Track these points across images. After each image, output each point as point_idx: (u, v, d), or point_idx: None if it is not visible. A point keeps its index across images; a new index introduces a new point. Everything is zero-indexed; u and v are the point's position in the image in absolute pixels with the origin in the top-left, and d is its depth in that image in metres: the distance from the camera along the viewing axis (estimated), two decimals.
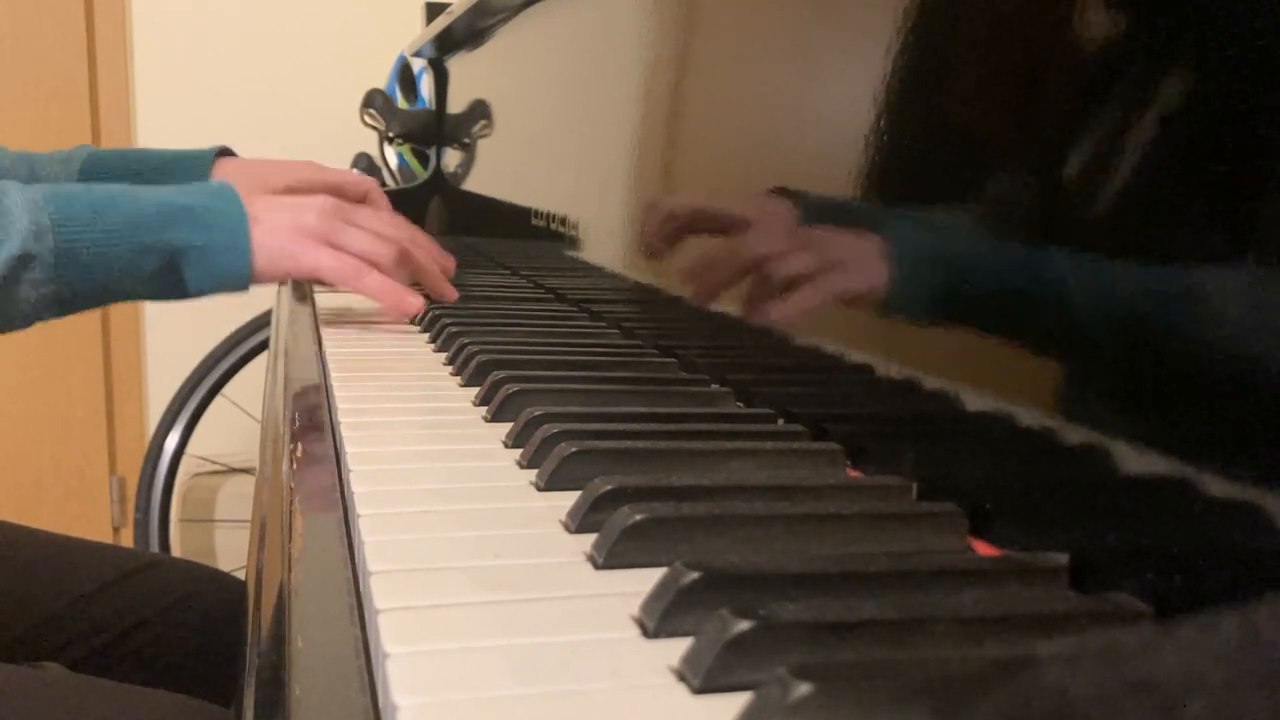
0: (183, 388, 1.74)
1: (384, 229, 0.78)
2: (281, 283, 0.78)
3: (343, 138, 1.86)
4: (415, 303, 0.75)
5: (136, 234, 0.69)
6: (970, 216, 0.39)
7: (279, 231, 0.73)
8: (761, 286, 0.54)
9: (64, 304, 0.68)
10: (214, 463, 1.96)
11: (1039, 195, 0.35)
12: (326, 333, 0.74)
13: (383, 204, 1.01)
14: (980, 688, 0.16)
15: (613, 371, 0.59)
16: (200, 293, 0.73)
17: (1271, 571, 0.27)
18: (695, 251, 0.63)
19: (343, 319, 0.80)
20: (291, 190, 0.95)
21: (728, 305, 0.57)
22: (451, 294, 0.83)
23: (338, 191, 0.99)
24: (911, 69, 0.42)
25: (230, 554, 1.96)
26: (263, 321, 1.72)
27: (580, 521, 0.36)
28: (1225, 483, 0.28)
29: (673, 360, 0.63)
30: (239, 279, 0.73)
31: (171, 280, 0.72)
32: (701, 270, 0.62)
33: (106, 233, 0.68)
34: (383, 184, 1.68)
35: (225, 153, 1.00)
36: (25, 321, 0.68)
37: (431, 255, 0.83)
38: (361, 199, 1.00)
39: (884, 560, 0.31)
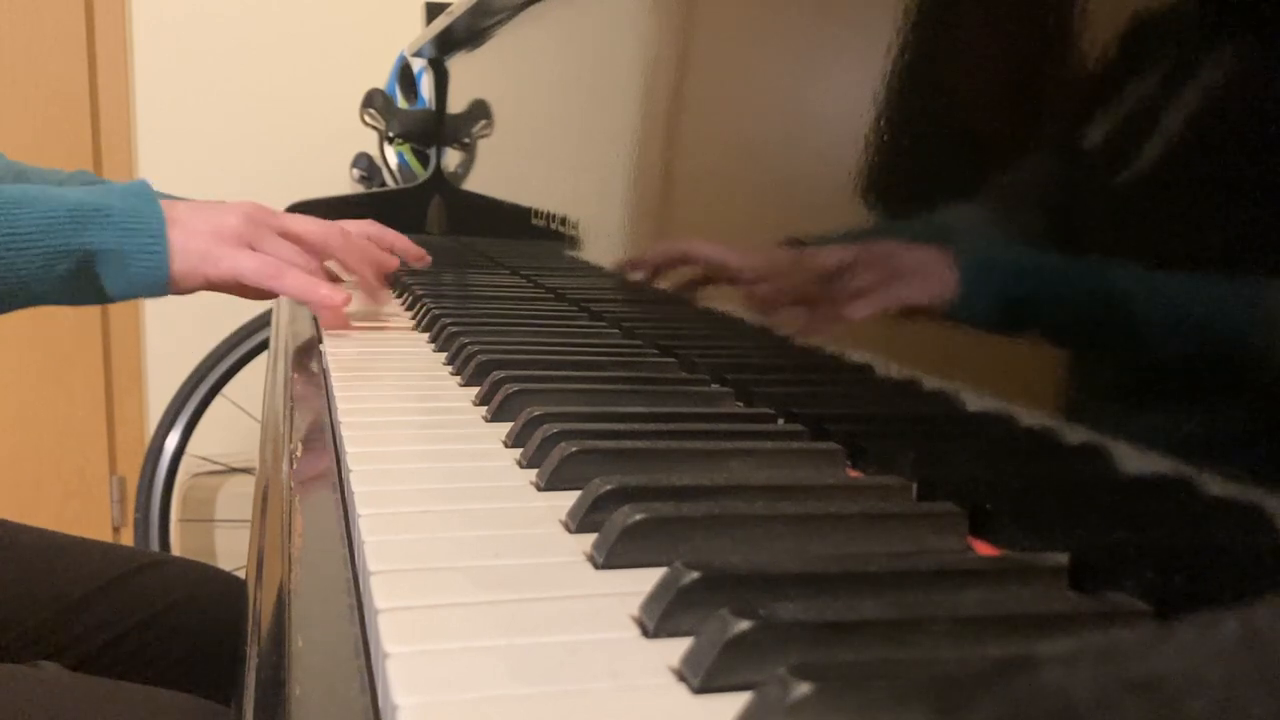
0: (183, 388, 1.74)
1: (309, 227, 0.76)
2: (200, 290, 0.74)
3: (343, 138, 1.86)
4: (338, 297, 0.72)
5: (47, 237, 0.66)
6: (970, 216, 0.39)
7: (198, 234, 0.71)
8: (766, 291, 0.54)
9: None
10: (214, 463, 1.96)
11: (1039, 195, 0.35)
12: (326, 333, 0.74)
13: (350, 249, 0.91)
14: (980, 688, 0.16)
15: (613, 371, 0.59)
16: (118, 297, 0.71)
17: (1271, 571, 0.27)
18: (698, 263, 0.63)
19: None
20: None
21: (727, 305, 0.57)
22: (381, 298, 0.82)
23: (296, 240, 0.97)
24: (912, 69, 0.42)
25: (230, 554, 1.96)
26: (263, 321, 1.72)
27: (580, 521, 0.36)
28: (1225, 483, 0.28)
29: (673, 360, 0.63)
30: (156, 283, 0.70)
31: (87, 284, 0.69)
32: (700, 273, 0.62)
33: (14, 235, 0.65)
34: (382, 184, 1.68)
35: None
36: None
37: (366, 253, 0.80)
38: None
39: (884, 560, 0.31)
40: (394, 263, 0.85)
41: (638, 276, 0.70)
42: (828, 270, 0.48)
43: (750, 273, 0.55)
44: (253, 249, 0.72)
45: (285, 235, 0.75)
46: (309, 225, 0.77)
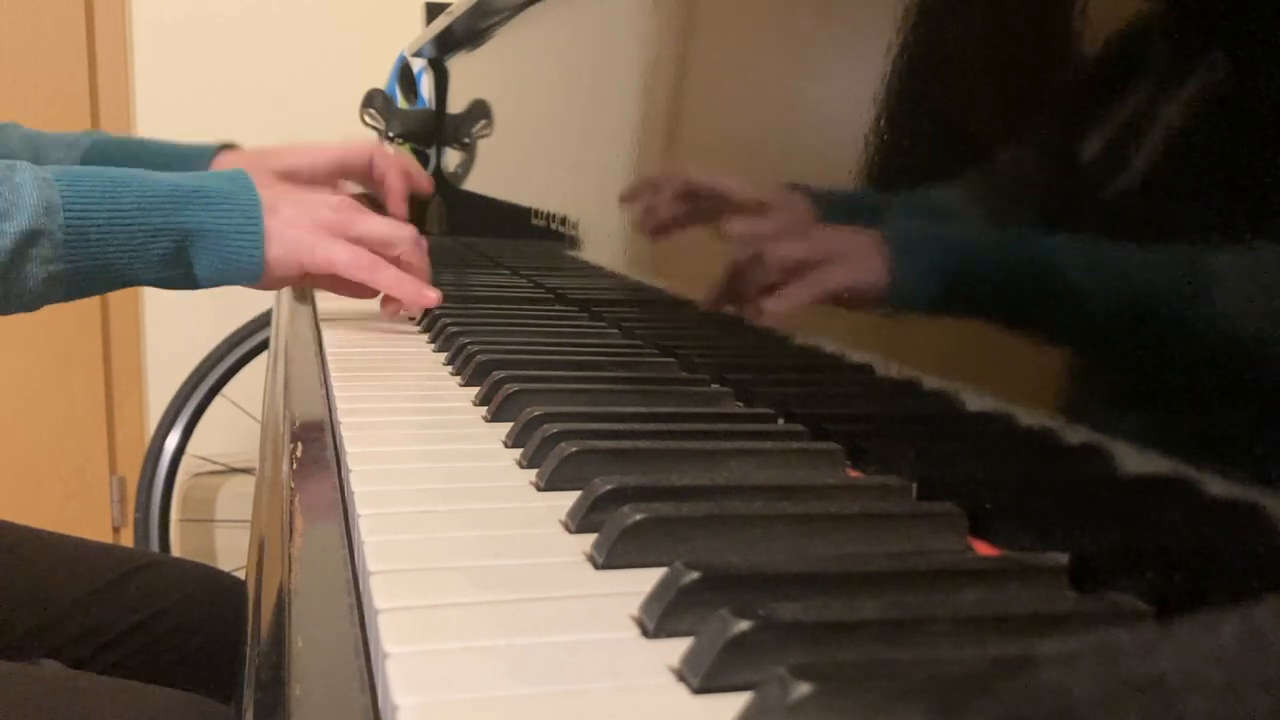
0: (183, 388, 1.74)
1: (396, 223, 0.77)
2: (292, 283, 0.76)
3: (343, 137, 1.86)
4: (432, 295, 0.74)
5: (148, 215, 0.67)
6: (971, 216, 0.39)
7: (294, 222, 0.71)
8: (761, 283, 0.54)
9: (71, 285, 0.66)
10: (214, 463, 1.96)
11: (1039, 195, 0.35)
12: (326, 333, 0.74)
13: (389, 162, 1.01)
14: (980, 688, 0.16)
15: (613, 371, 0.59)
16: (211, 281, 0.71)
17: (1271, 571, 0.27)
18: (691, 247, 0.63)
19: (343, 319, 0.80)
20: (290, 173, 0.95)
21: (727, 305, 0.57)
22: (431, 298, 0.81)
23: (341, 165, 1.00)
24: (910, 66, 0.42)
25: (230, 554, 1.96)
26: (263, 321, 1.72)
27: (580, 521, 0.36)
28: (1225, 483, 0.28)
29: (673, 360, 0.63)
30: (252, 267, 0.70)
31: (181, 265, 0.70)
32: (700, 264, 0.62)
33: (117, 212, 0.66)
34: None
35: (228, 147, 1.00)
36: (30, 302, 0.66)
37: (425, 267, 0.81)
38: (366, 165, 1.01)
39: (884, 560, 0.31)
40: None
41: (642, 205, 0.70)
42: (828, 267, 0.48)
43: (748, 257, 0.55)
44: (347, 238, 0.72)
45: (365, 240, 0.75)
46: (392, 221, 0.77)
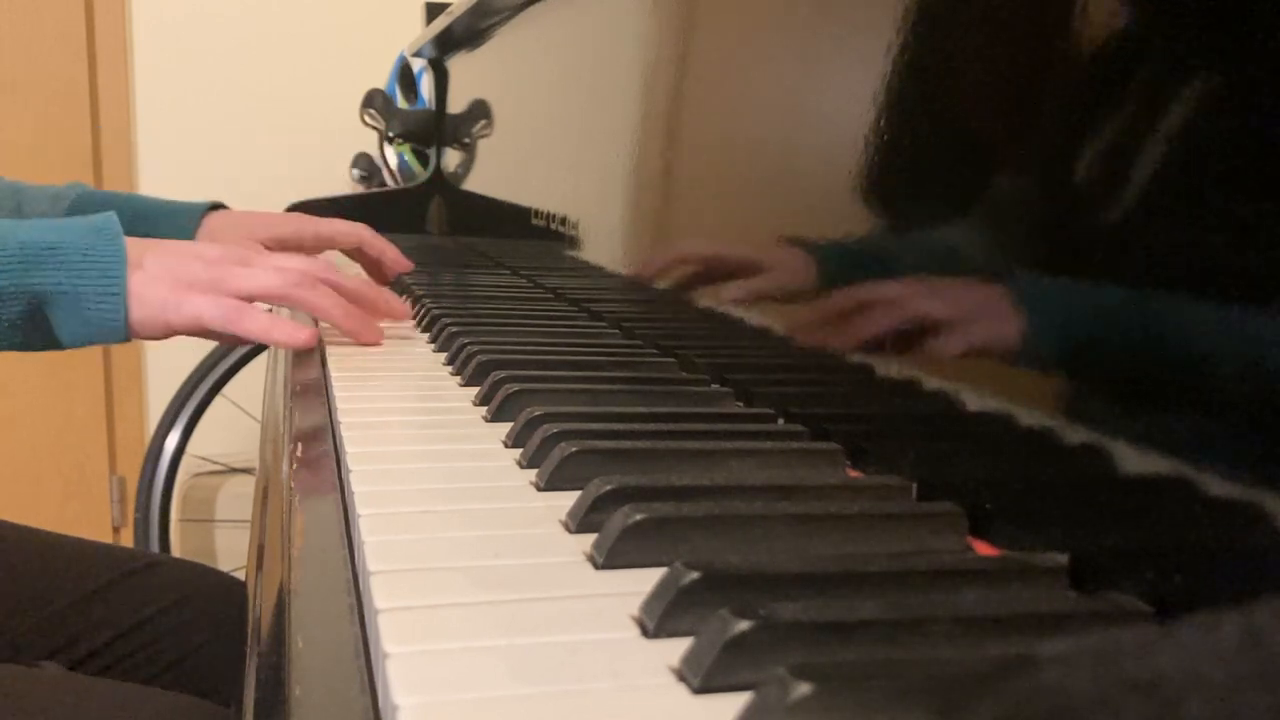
0: (183, 388, 1.74)
1: (288, 262, 0.69)
2: (165, 337, 0.68)
3: (343, 138, 1.86)
4: (300, 336, 0.67)
5: None
6: (971, 217, 0.39)
7: (159, 280, 0.64)
8: (761, 283, 0.54)
9: None
10: (214, 463, 1.96)
11: (1039, 196, 0.35)
12: (326, 333, 0.73)
13: (382, 247, 0.93)
14: (980, 688, 0.16)
15: (613, 371, 0.59)
16: (74, 344, 0.64)
17: (1271, 571, 0.27)
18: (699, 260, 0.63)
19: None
20: (279, 242, 0.89)
21: (727, 305, 0.57)
22: (393, 314, 0.74)
23: (328, 243, 0.92)
24: (912, 69, 0.42)
25: (230, 554, 1.96)
26: None
27: (580, 521, 0.36)
28: (1225, 483, 0.28)
29: (673, 360, 0.63)
30: (114, 330, 0.64)
31: (40, 330, 0.63)
32: (692, 270, 0.62)
33: None
34: (382, 184, 1.68)
35: (217, 207, 0.94)
36: None
37: (354, 288, 0.72)
38: (355, 248, 0.93)
39: (884, 560, 0.31)
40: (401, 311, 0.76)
41: (655, 279, 0.70)
42: (827, 270, 0.48)
43: (755, 272, 0.55)
44: (217, 292, 0.66)
45: (240, 293, 0.67)
46: (286, 260, 0.70)
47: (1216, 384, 0.28)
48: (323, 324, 0.72)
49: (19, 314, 0.62)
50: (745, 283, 0.56)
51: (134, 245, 0.65)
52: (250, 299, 0.67)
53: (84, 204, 0.91)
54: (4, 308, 0.61)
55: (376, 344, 0.70)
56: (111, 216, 0.66)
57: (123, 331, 0.64)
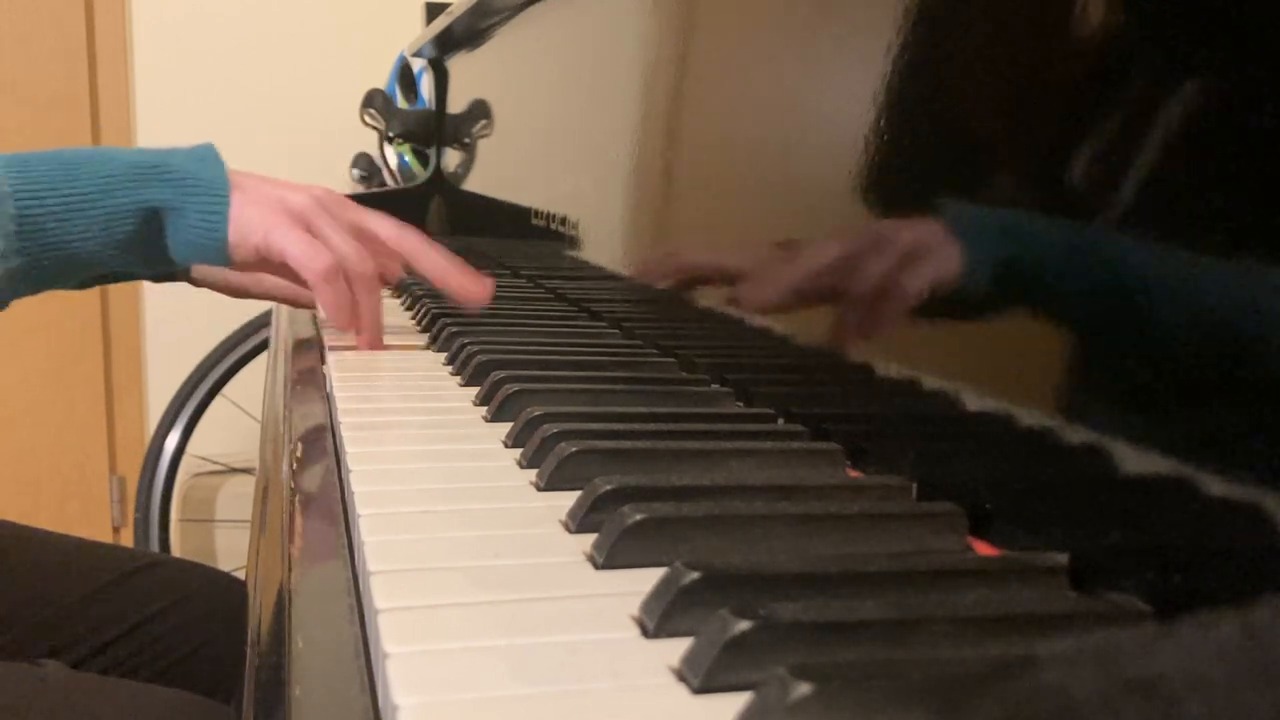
0: (183, 388, 1.74)
1: (380, 228, 0.71)
2: (250, 268, 0.69)
3: (343, 138, 1.86)
4: (363, 326, 0.68)
5: (107, 196, 0.62)
6: (971, 217, 0.39)
7: (258, 203, 0.66)
8: (762, 283, 0.54)
9: (33, 278, 0.62)
10: (214, 463, 1.96)
11: (1039, 196, 0.35)
12: (326, 332, 0.73)
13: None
14: (980, 688, 0.16)
15: (613, 371, 0.59)
16: (181, 261, 0.66)
17: (1271, 571, 0.27)
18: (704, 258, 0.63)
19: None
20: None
21: (728, 305, 0.57)
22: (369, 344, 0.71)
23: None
24: (912, 68, 0.42)
25: (230, 554, 1.96)
26: (263, 321, 1.72)
27: (580, 521, 0.36)
28: (1225, 483, 0.28)
29: (673, 360, 0.63)
30: (216, 246, 0.65)
31: (151, 246, 0.65)
32: (692, 269, 0.62)
33: (72, 196, 0.61)
34: (382, 184, 1.68)
35: None
36: None
37: (441, 266, 0.72)
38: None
39: (884, 560, 0.31)
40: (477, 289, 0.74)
41: (654, 282, 0.70)
42: (827, 270, 0.48)
43: (753, 274, 0.55)
44: (311, 230, 0.67)
45: (357, 230, 0.70)
46: (385, 225, 0.72)
47: (1217, 384, 0.28)
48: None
49: (132, 230, 0.64)
50: (743, 287, 0.56)
51: (237, 172, 0.67)
52: (339, 243, 0.67)
53: None
54: (117, 225, 0.63)
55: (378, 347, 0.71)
56: (210, 145, 0.68)
57: (223, 247, 0.66)
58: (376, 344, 0.70)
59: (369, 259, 0.68)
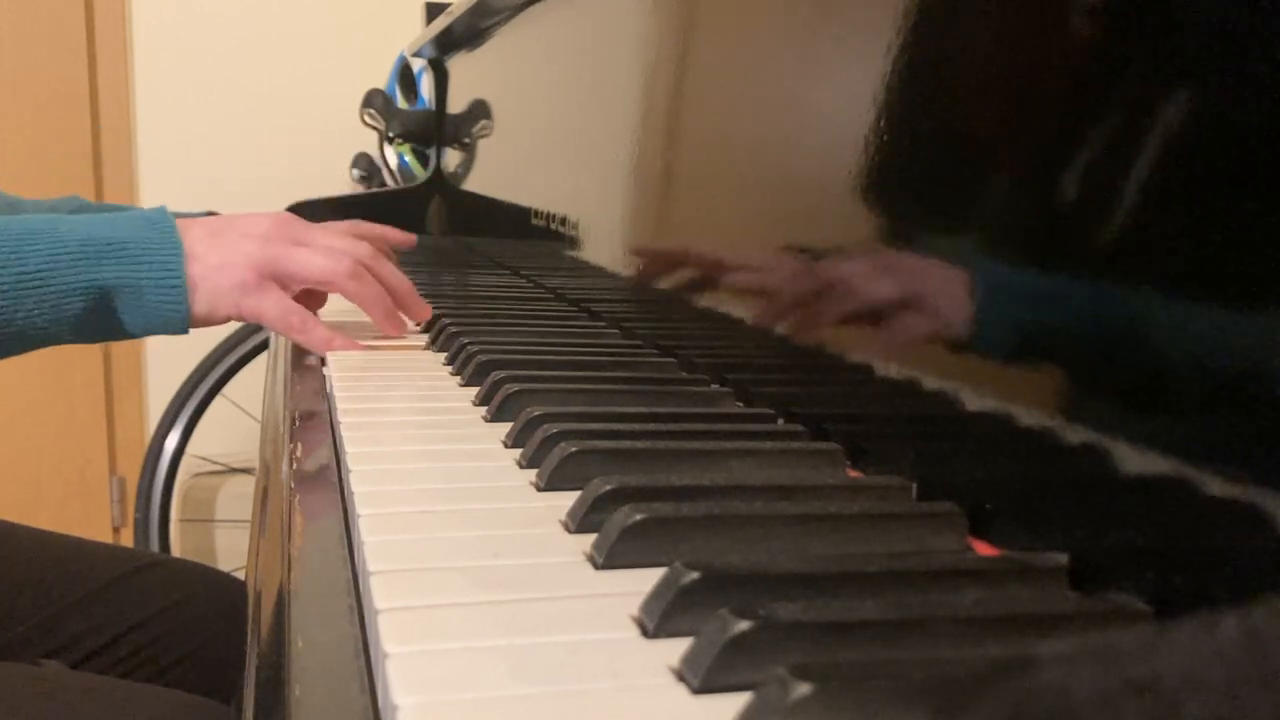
0: (183, 388, 1.74)
1: (337, 242, 0.70)
2: (222, 322, 0.69)
3: (343, 138, 1.86)
4: (357, 347, 0.68)
5: (57, 274, 0.61)
6: (971, 218, 0.39)
7: (218, 271, 0.65)
8: (761, 283, 0.54)
9: None
10: (214, 463, 1.96)
11: (1040, 196, 0.35)
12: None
13: (380, 233, 0.91)
14: (980, 688, 0.16)
15: (613, 371, 0.59)
16: (137, 334, 0.66)
17: (1271, 571, 0.27)
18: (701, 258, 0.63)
19: (343, 319, 0.80)
20: None
21: (728, 305, 0.57)
22: (417, 315, 0.75)
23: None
24: (912, 69, 0.42)
25: (230, 554, 1.96)
26: None
27: (580, 521, 0.36)
28: (1225, 483, 0.28)
29: (673, 360, 0.63)
30: (176, 320, 0.65)
31: (104, 322, 0.65)
32: (697, 274, 0.62)
33: (23, 275, 0.60)
34: (382, 184, 1.68)
35: (212, 214, 0.94)
36: None
37: (377, 296, 0.72)
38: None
39: (884, 560, 0.31)
40: (404, 305, 0.75)
41: (647, 270, 0.70)
42: (827, 270, 0.48)
43: (752, 273, 0.55)
44: (277, 276, 0.67)
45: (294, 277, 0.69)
46: (337, 238, 0.71)
47: (1217, 384, 0.28)
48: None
49: (84, 308, 0.63)
50: (744, 283, 0.56)
51: (186, 230, 0.66)
52: (303, 284, 0.68)
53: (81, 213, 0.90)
54: (70, 302, 0.62)
55: (400, 336, 0.73)
56: (163, 209, 0.68)
57: (184, 321, 0.66)
58: (426, 310, 0.74)
59: (359, 243, 0.70)
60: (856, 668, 0.23)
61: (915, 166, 0.42)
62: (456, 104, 1.39)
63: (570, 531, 0.36)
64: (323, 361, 0.66)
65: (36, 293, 0.61)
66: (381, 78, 1.73)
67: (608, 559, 0.33)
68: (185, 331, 0.67)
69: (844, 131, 0.46)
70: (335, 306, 0.85)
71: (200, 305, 0.66)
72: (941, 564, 0.32)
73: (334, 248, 0.69)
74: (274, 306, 0.67)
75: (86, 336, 0.65)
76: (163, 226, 0.66)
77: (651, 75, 0.71)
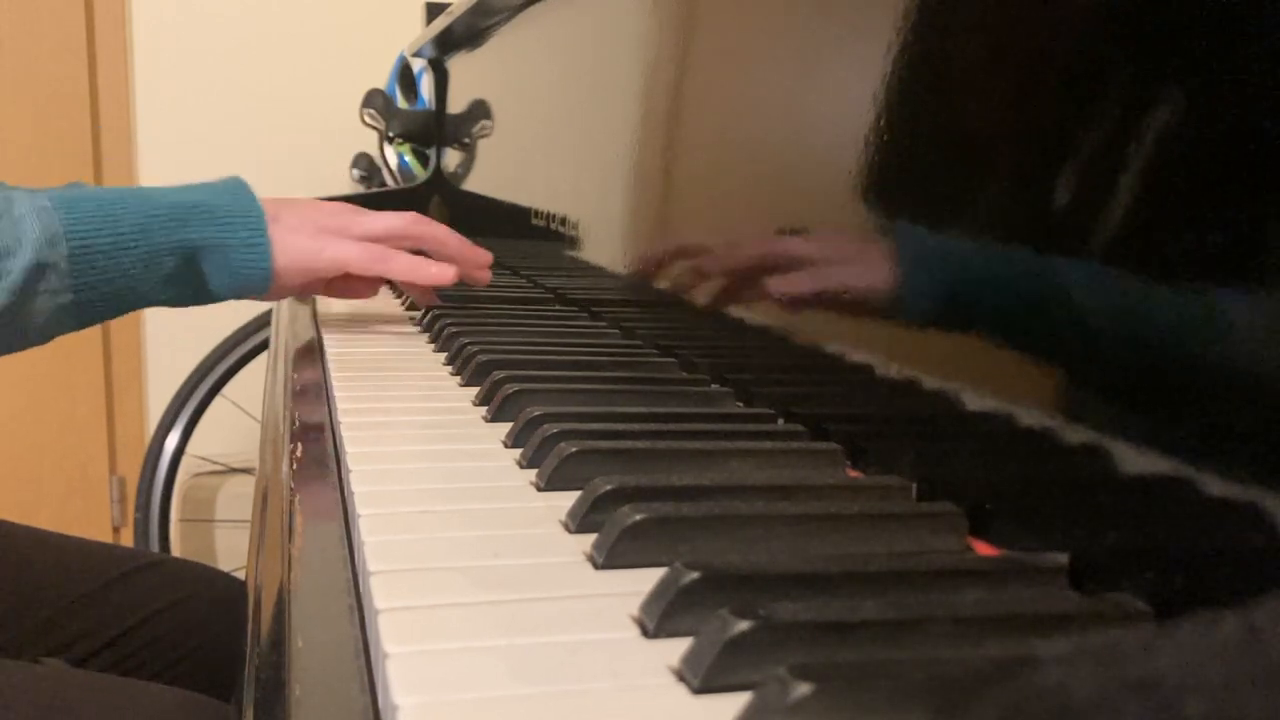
0: (183, 388, 1.74)
1: (390, 216, 0.77)
2: (301, 291, 0.75)
3: (343, 138, 1.86)
4: (447, 274, 0.74)
5: (151, 235, 0.66)
6: (972, 218, 0.39)
7: (298, 229, 0.71)
8: (761, 283, 0.54)
9: (82, 313, 0.66)
10: (214, 463, 1.96)
11: (1040, 196, 0.35)
12: (326, 333, 0.74)
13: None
14: (980, 688, 0.16)
15: (613, 371, 0.59)
16: (223, 295, 0.71)
17: (1271, 571, 0.27)
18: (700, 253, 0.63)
19: (343, 319, 0.80)
20: None
21: (727, 305, 0.57)
22: (483, 276, 0.81)
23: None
24: (912, 69, 0.42)
25: (230, 554, 1.96)
26: (263, 321, 1.72)
27: (580, 521, 0.36)
28: (1225, 483, 0.28)
29: (673, 360, 0.63)
30: (261, 278, 0.70)
31: (192, 281, 0.69)
32: (700, 269, 0.62)
33: (120, 235, 0.65)
34: (382, 184, 1.68)
35: None
36: (42, 335, 0.65)
37: (454, 238, 0.79)
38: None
39: (884, 560, 0.31)
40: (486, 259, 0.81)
41: (647, 270, 0.70)
42: (826, 268, 0.48)
43: (752, 273, 0.55)
44: (350, 236, 0.73)
45: (370, 235, 0.75)
46: (391, 220, 0.77)
47: (1217, 384, 0.28)
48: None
49: (174, 268, 0.67)
50: (749, 283, 0.56)
51: (266, 201, 0.71)
52: (377, 240, 0.74)
53: None
54: (161, 263, 0.67)
55: (485, 280, 0.80)
56: (239, 178, 0.73)
57: (269, 278, 0.70)
58: (486, 256, 0.79)
59: (399, 225, 0.76)
60: (856, 668, 0.23)
61: (916, 165, 0.42)
62: (456, 104, 1.39)
63: (570, 531, 0.36)
64: (323, 362, 0.66)
65: (132, 253, 0.65)
66: (381, 78, 1.73)
67: (608, 559, 0.33)
68: (266, 289, 0.71)
69: (844, 131, 0.46)
70: (341, 306, 0.85)
71: (281, 260, 0.70)
72: (941, 564, 0.32)
73: (391, 214, 0.76)
74: (353, 248, 0.72)
75: (178, 296, 0.69)
76: (241, 193, 0.70)
77: (651, 75, 0.71)
